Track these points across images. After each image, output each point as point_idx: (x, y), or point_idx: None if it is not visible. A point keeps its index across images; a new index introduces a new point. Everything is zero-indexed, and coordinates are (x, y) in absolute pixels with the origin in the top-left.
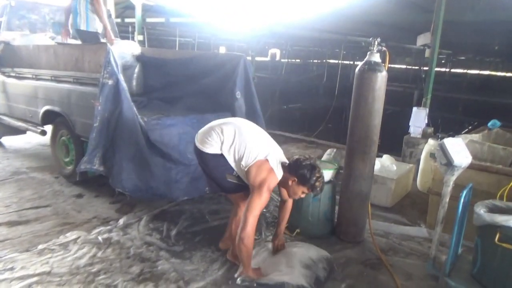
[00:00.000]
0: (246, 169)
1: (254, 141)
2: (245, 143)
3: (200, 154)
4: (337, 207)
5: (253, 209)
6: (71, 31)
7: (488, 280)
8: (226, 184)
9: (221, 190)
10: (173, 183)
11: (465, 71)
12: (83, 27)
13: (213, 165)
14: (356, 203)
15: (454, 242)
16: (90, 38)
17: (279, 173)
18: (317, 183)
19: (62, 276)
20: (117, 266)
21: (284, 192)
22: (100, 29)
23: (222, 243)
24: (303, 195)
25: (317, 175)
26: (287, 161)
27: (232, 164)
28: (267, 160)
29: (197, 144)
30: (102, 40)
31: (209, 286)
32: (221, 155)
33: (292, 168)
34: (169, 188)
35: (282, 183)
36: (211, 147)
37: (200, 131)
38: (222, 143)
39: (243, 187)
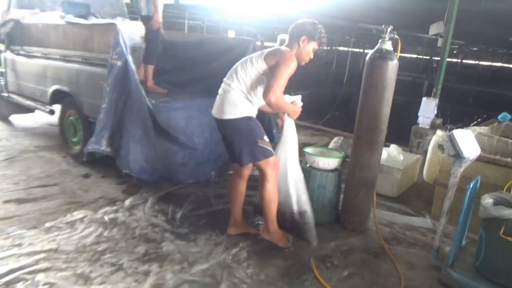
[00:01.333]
0: (264, 67)
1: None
2: (244, 63)
3: (226, 125)
4: (342, 195)
5: (281, 76)
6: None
7: (491, 273)
8: (256, 152)
9: (242, 160)
10: (179, 166)
11: (477, 62)
12: (144, 12)
13: (244, 130)
14: (361, 192)
15: (459, 234)
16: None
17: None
18: (322, 35)
19: (69, 254)
20: (122, 245)
21: None
22: (144, 12)
23: (230, 228)
24: (312, 55)
25: (319, 26)
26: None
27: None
28: (268, 52)
29: (219, 116)
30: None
31: (212, 268)
32: (249, 117)
33: (297, 31)
34: (175, 171)
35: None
36: (235, 110)
37: (215, 103)
38: (236, 90)
39: (269, 153)
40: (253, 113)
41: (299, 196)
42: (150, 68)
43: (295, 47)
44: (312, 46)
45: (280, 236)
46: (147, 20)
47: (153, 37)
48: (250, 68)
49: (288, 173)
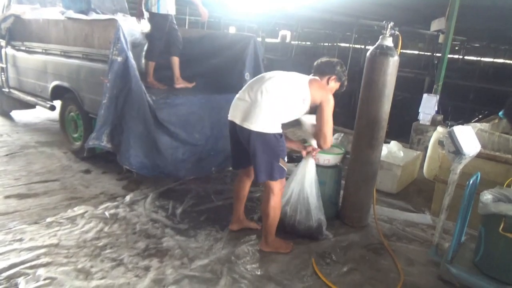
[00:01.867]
0: (307, 95)
1: (288, 78)
2: (282, 81)
3: (255, 136)
4: (342, 192)
5: (327, 118)
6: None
7: (490, 269)
8: (275, 171)
9: (259, 175)
10: (180, 162)
11: (478, 58)
12: (154, 9)
13: (272, 147)
14: (361, 188)
15: (458, 230)
16: (161, 21)
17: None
18: (345, 78)
19: (70, 249)
20: (123, 241)
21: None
22: (171, 11)
23: (232, 224)
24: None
25: (345, 69)
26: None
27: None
28: (312, 80)
29: (247, 125)
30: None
31: (212, 264)
32: (281, 135)
33: (328, 69)
34: (176, 167)
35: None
36: (270, 125)
37: (238, 108)
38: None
39: (284, 174)
40: (281, 130)
41: (317, 209)
42: (152, 64)
43: (323, 82)
44: (336, 86)
45: (279, 244)
46: (156, 18)
47: (158, 35)
48: (292, 87)
49: (308, 192)
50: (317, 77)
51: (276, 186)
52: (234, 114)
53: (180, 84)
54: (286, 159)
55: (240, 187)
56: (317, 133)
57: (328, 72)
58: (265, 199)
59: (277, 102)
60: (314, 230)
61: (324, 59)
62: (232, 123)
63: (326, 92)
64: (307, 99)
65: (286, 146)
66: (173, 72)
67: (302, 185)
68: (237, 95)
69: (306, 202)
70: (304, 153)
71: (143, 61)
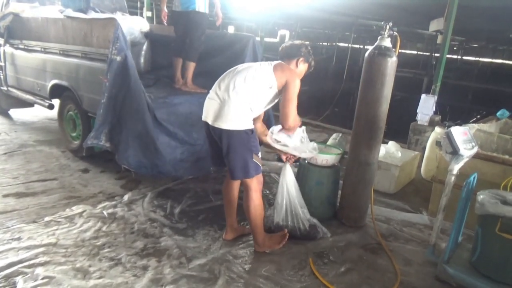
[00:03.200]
0: (273, 80)
1: (249, 66)
2: (246, 73)
3: (226, 135)
4: (340, 192)
5: (293, 98)
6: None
7: (486, 269)
8: (250, 168)
9: (234, 173)
10: (178, 161)
11: (477, 59)
12: (201, 8)
13: (244, 143)
14: (359, 188)
15: (455, 230)
16: (202, 19)
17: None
18: (312, 58)
19: (68, 248)
20: (121, 240)
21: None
22: (202, 8)
23: (226, 234)
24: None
25: (310, 50)
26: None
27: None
28: (275, 64)
29: (218, 124)
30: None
31: (210, 263)
32: (252, 130)
33: (294, 52)
34: (174, 167)
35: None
36: (239, 122)
37: (209, 108)
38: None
39: (260, 170)
40: (253, 126)
41: (303, 210)
42: (192, 66)
43: (292, 66)
44: (305, 67)
45: (271, 241)
46: (197, 17)
47: (201, 36)
48: (257, 80)
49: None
50: (281, 62)
51: (253, 182)
52: (206, 115)
53: (191, 86)
54: (260, 154)
55: (228, 190)
56: (280, 112)
57: (295, 55)
58: (245, 198)
59: (245, 98)
60: (309, 231)
61: (287, 43)
62: (206, 124)
63: (291, 73)
64: (274, 85)
65: (271, 147)
66: (186, 75)
67: (286, 192)
68: (208, 95)
69: (293, 207)
70: (283, 157)
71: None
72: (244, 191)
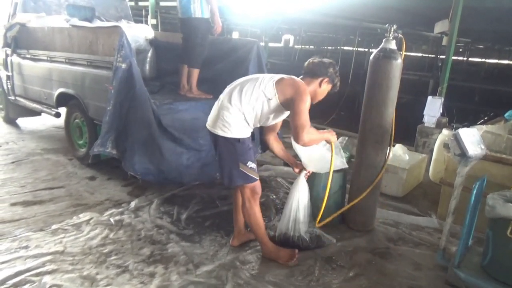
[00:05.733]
0: (273, 93)
1: (257, 77)
2: (249, 84)
3: (217, 140)
4: (347, 196)
5: (302, 113)
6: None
7: (498, 272)
8: (235, 176)
9: (223, 179)
10: (184, 168)
11: (483, 60)
12: (198, 14)
13: (230, 151)
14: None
15: (465, 234)
16: (206, 26)
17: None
18: (338, 80)
19: (75, 256)
20: (128, 247)
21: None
22: (198, 14)
23: (233, 239)
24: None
25: (337, 70)
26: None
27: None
28: (284, 77)
29: (212, 129)
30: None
31: (217, 270)
32: (240, 140)
33: (320, 70)
34: (180, 173)
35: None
36: (229, 130)
37: (211, 113)
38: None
39: (250, 179)
40: (246, 135)
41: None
42: (196, 72)
43: (313, 84)
44: (328, 88)
45: (279, 254)
46: (201, 23)
47: (202, 41)
48: (256, 91)
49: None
50: (292, 77)
51: (245, 191)
52: (208, 121)
53: (196, 92)
54: (250, 164)
55: (236, 196)
56: (291, 127)
57: (321, 74)
58: (242, 207)
59: (239, 107)
60: (314, 242)
61: (316, 59)
62: (208, 130)
63: (300, 90)
64: (273, 97)
65: (281, 156)
66: (190, 81)
67: (296, 203)
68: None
69: (301, 218)
70: (296, 170)
71: (147, 67)
72: (241, 200)
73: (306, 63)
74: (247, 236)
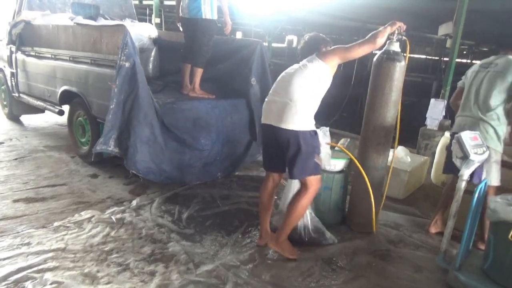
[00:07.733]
0: (323, 65)
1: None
2: (298, 74)
3: (292, 135)
4: (348, 197)
5: (351, 50)
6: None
7: (499, 276)
8: (312, 167)
9: (294, 173)
10: (186, 167)
11: None
12: (208, 15)
13: (309, 143)
14: (367, 194)
15: (466, 237)
16: (213, 27)
17: None
18: (328, 39)
19: (76, 253)
20: (129, 245)
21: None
22: (208, 15)
23: (260, 239)
24: None
25: (323, 36)
26: None
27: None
28: (318, 54)
29: (284, 125)
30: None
31: (218, 269)
32: (315, 132)
33: (318, 43)
34: (182, 172)
35: None
36: (305, 122)
37: (272, 110)
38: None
39: (320, 170)
40: (315, 127)
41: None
42: (200, 71)
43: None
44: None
45: (288, 247)
46: (210, 24)
47: (208, 42)
48: (312, 76)
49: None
50: (318, 51)
51: (313, 184)
52: (269, 117)
53: (199, 91)
54: (321, 155)
55: (265, 194)
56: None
57: (320, 44)
58: (297, 196)
59: (308, 95)
60: (315, 237)
61: (305, 38)
62: (267, 126)
63: (331, 51)
64: (328, 72)
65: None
66: (194, 80)
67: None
68: (266, 99)
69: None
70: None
71: (150, 66)
72: (300, 189)
73: (301, 48)
74: (273, 237)
